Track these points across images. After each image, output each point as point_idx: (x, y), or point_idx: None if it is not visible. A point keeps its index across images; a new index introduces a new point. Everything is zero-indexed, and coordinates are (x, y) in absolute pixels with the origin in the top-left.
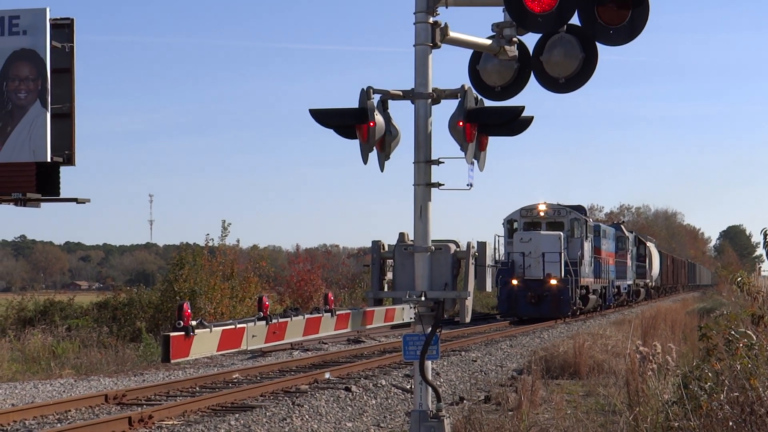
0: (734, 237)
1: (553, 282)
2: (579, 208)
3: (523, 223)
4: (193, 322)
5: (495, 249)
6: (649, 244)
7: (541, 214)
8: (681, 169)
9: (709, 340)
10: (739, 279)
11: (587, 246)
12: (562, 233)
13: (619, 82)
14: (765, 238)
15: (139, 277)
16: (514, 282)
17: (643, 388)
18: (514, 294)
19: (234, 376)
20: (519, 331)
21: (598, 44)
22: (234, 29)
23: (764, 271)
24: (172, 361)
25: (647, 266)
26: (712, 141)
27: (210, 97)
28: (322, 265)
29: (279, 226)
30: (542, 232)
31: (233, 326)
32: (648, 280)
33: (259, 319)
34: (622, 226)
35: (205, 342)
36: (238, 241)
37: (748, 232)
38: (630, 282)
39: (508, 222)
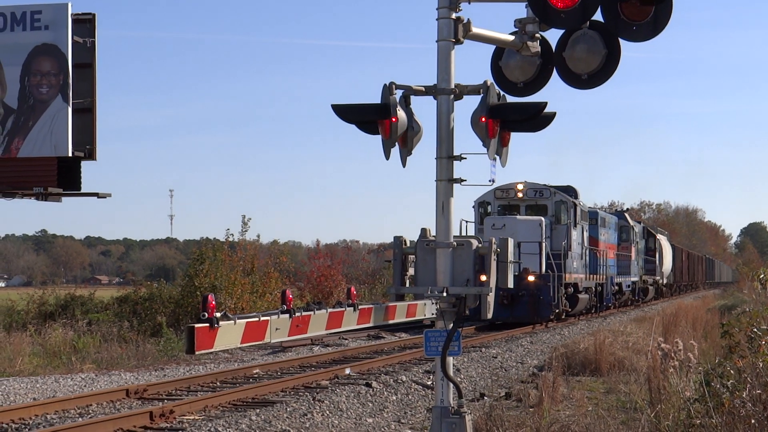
0: (755, 234)
1: (531, 278)
2: (567, 189)
3: (498, 206)
4: (218, 314)
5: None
6: (660, 236)
7: (519, 195)
8: (702, 166)
9: (731, 337)
10: (762, 276)
11: (576, 234)
12: (543, 218)
13: (639, 79)
14: None
15: (159, 272)
16: (483, 278)
17: (665, 386)
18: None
19: (255, 372)
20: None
21: (621, 40)
22: (254, 25)
23: None
24: (196, 353)
25: (657, 261)
26: (734, 138)
27: (231, 92)
28: (342, 260)
29: (299, 222)
30: (519, 216)
31: (257, 319)
32: (658, 277)
33: (283, 312)
34: (627, 215)
35: (229, 334)
36: (258, 236)
37: None
38: (635, 279)
39: (480, 205)
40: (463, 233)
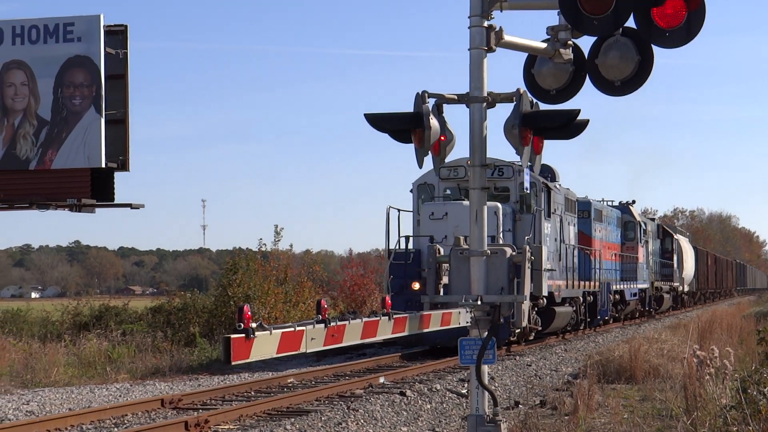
0: None
1: None
2: (543, 169)
3: (445, 188)
4: (254, 325)
5: (386, 231)
6: (679, 237)
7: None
8: (735, 172)
9: (767, 344)
10: None
11: (550, 227)
12: (501, 205)
13: (670, 86)
14: None
15: (192, 282)
16: (416, 286)
17: (701, 393)
18: (415, 305)
19: (289, 381)
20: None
21: (654, 47)
22: (286, 35)
23: None
24: (232, 363)
25: (675, 265)
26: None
27: (264, 102)
28: (375, 269)
29: (332, 231)
30: (465, 202)
31: (292, 329)
32: (677, 283)
33: (318, 322)
34: (632, 208)
35: (265, 344)
36: (291, 245)
37: None
38: (644, 285)
39: (421, 188)
40: (392, 225)
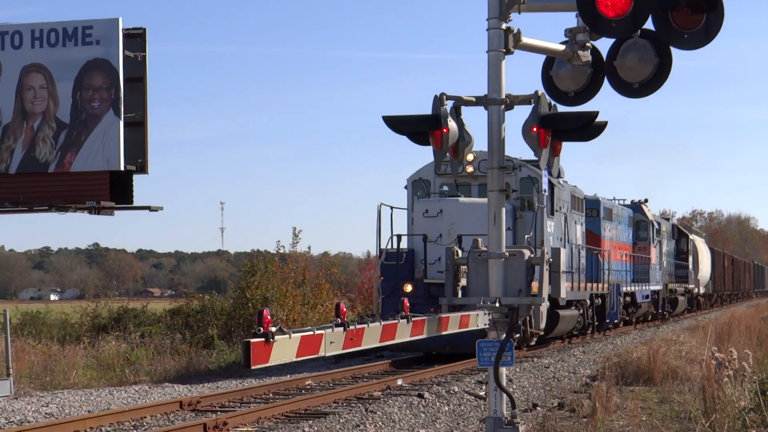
0: None
1: None
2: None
3: (441, 185)
4: (273, 329)
5: (378, 230)
6: (694, 237)
7: (469, 169)
8: (754, 173)
9: None
10: None
11: (554, 226)
12: None
13: (686, 87)
14: None
15: (210, 284)
16: (408, 288)
17: (719, 395)
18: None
19: (307, 383)
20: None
21: (672, 48)
22: (303, 38)
23: None
24: (252, 368)
25: (691, 266)
26: None
27: (281, 104)
28: None
29: (350, 233)
30: (462, 199)
31: (312, 332)
32: (692, 285)
33: (337, 325)
34: (644, 207)
35: (285, 348)
36: (309, 247)
37: None
38: (657, 287)
39: (416, 184)
40: (384, 223)
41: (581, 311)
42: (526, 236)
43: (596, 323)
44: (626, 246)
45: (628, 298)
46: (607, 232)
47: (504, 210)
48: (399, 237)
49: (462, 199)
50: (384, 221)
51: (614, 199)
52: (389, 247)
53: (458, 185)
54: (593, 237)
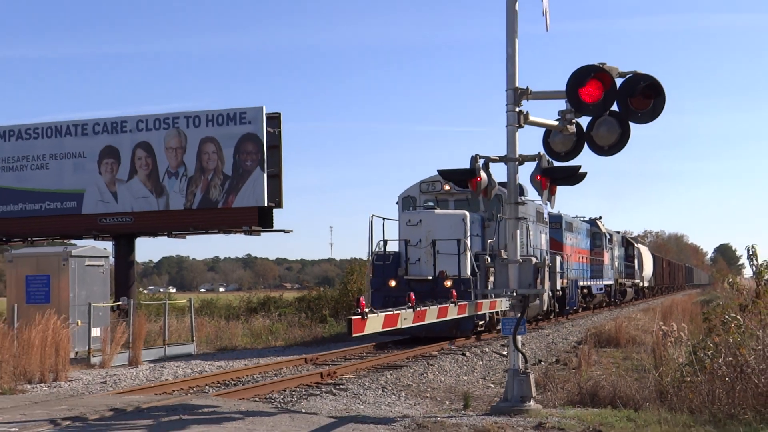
0: (724, 252)
1: (449, 283)
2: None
3: (424, 201)
4: (366, 310)
5: (370, 238)
6: (639, 245)
7: (447, 187)
8: (689, 199)
9: (710, 321)
10: (730, 280)
11: (515, 231)
12: (469, 213)
13: (642, 147)
14: (748, 252)
15: (324, 281)
16: (392, 284)
17: (665, 354)
18: (391, 301)
19: (388, 345)
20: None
21: (630, 123)
22: (389, 115)
23: (746, 275)
24: (353, 335)
25: (636, 266)
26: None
27: (369, 161)
28: None
29: None
30: (437, 211)
31: (392, 312)
32: (638, 280)
33: (408, 308)
34: (599, 222)
35: (374, 323)
36: None
37: (733, 248)
38: (609, 282)
39: (405, 201)
40: (376, 232)
41: (542, 302)
42: (489, 241)
43: (557, 310)
44: (584, 251)
45: (585, 290)
46: (568, 240)
47: (518, 231)
48: (386, 241)
49: (437, 211)
50: (377, 229)
51: (576, 216)
52: (378, 250)
53: (438, 201)
54: (556, 243)
